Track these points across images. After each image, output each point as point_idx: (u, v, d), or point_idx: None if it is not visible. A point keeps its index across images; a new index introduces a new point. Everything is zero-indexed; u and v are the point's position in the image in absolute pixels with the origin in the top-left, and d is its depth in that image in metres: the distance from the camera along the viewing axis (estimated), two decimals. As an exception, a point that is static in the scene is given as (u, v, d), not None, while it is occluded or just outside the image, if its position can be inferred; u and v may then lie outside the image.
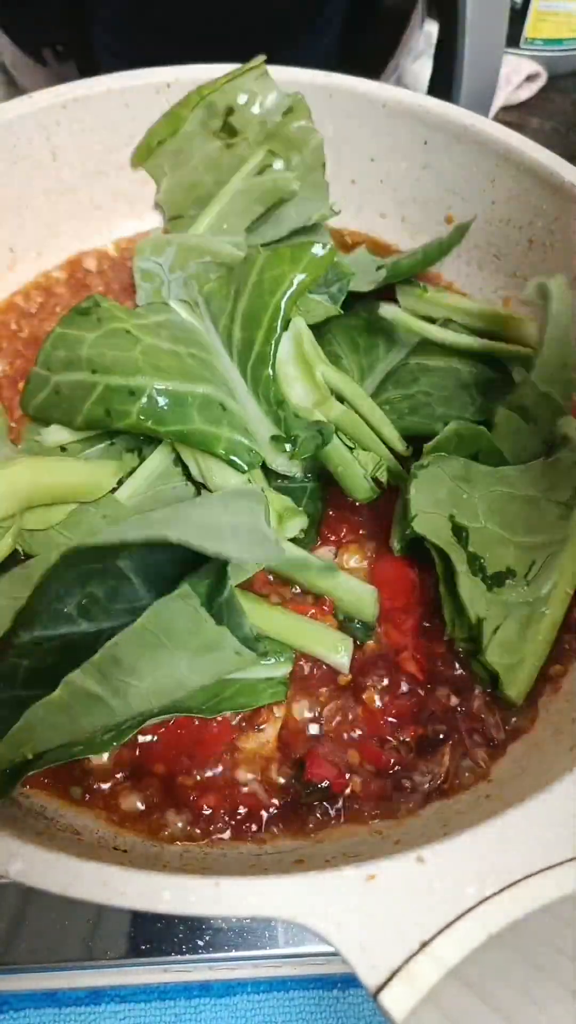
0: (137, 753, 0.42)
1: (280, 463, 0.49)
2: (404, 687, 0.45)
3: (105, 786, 0.42)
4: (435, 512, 0.44)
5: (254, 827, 0.41)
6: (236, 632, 0.38)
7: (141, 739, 0.42)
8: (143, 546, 0.39)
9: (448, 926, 0.28)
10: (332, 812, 0.41)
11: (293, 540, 0.48)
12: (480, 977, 0.27)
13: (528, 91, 0.99)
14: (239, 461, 0.48)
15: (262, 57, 0.61)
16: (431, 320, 0.59)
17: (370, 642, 0.47)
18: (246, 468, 0.48)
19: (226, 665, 0.37)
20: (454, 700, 0.45)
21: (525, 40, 0.98)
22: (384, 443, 0.51)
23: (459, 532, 0.45)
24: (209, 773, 0.42)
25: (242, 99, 0.61)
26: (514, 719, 0.44)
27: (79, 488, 0.46)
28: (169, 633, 0.36)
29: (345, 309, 0.54)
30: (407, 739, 0.43)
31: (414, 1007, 0.27)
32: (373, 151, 0.64)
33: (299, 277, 0.49)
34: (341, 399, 0.51)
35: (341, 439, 0.50)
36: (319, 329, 0.53)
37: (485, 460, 0.48)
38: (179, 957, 0.45)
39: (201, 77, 0.62)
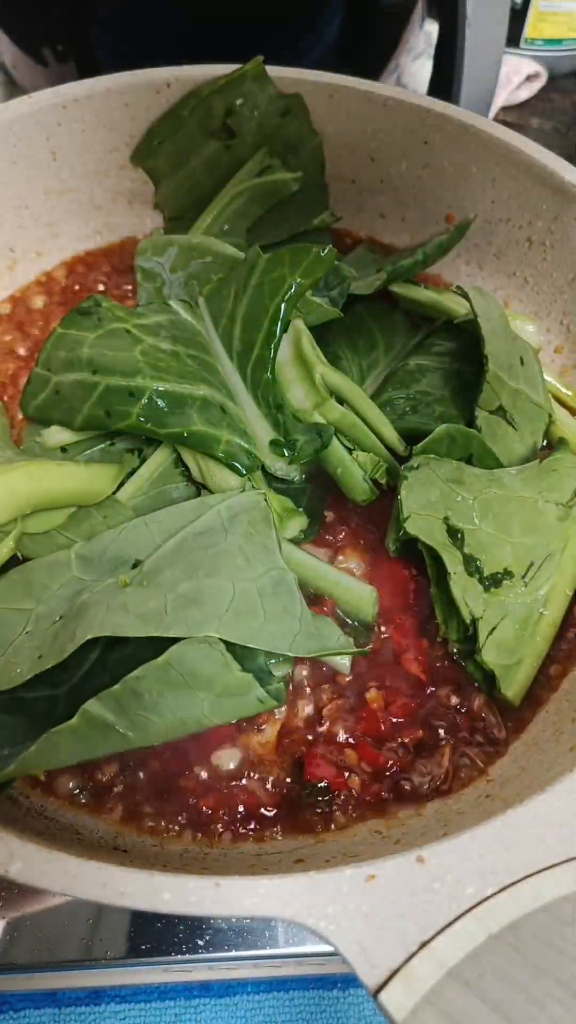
0: (137, 753, 0.42)
1: (279, 467, 0.49)
2: (405, 687, 0.45)
3: (105, 786, 0.42)
4: (427, 514, 0.44)
5: (254, 827, 0.41)
6: (250, 664, 0.38)
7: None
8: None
9: (448, 926, 0.28)
10: (332, 812, 0.41)
11: (292, 541, 0.48)
12: (480, 977, 0.27)
13: (528, 91, 1.00)
14: (238, 465, 0.48)
15: (260, 58, 0.61)
16: (431, 320, 0.59)
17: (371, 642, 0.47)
18: (245, 472, 0.48)
19: (248, 710, 0.38)
20: (454, 700, 0.45)
21: (525, 40, 0.98)
22: (384, 444, 0.51)
23: (455, 534, 0.45)
24: (209, 773, 0.42)
25: (240, 100, 0.61)
26: (514, 719, 0.44)
27: (79, 493, 0.46)
28: (194, 675, 0.36)
29: (345, 310, 0.54)
30: (406, 740, 0.43)
31: (414, 1007, 0.27)
32: (373, 151, 0.64)
33: (298, 280, 0.49)
34: (341, 400, 0.51)
35: (341, 440, 0.50)
36: (319, 330, 0.53)
37: (479, 463, 0.48)
38: (179, 957, 0.45)
39: (201, 77, 0.62)
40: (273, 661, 0.44)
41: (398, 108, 0.60)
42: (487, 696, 0.45)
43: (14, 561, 0.45)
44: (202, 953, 0.46)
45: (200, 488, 0.49)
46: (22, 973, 0.46)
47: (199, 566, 0.40)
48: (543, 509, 0.47)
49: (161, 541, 0.44)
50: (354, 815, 0.41)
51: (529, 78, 0.99)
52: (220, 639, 0.37)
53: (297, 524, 0.48)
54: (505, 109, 0.99)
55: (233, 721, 0.38)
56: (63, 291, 0.64)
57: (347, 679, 0.45)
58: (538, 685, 0.45)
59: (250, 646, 0.38)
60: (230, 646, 0.37)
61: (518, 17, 0.95)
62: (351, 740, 0.43)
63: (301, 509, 0.49)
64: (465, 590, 0.43)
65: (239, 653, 0.38)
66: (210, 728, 0.38)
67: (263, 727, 0.43)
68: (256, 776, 0.42)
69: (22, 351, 0.60)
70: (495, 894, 0.29)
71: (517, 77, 0.97)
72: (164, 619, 0.37)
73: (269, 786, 0.42)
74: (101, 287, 0.65)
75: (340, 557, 0.50)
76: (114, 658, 0.40)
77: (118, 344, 0.49)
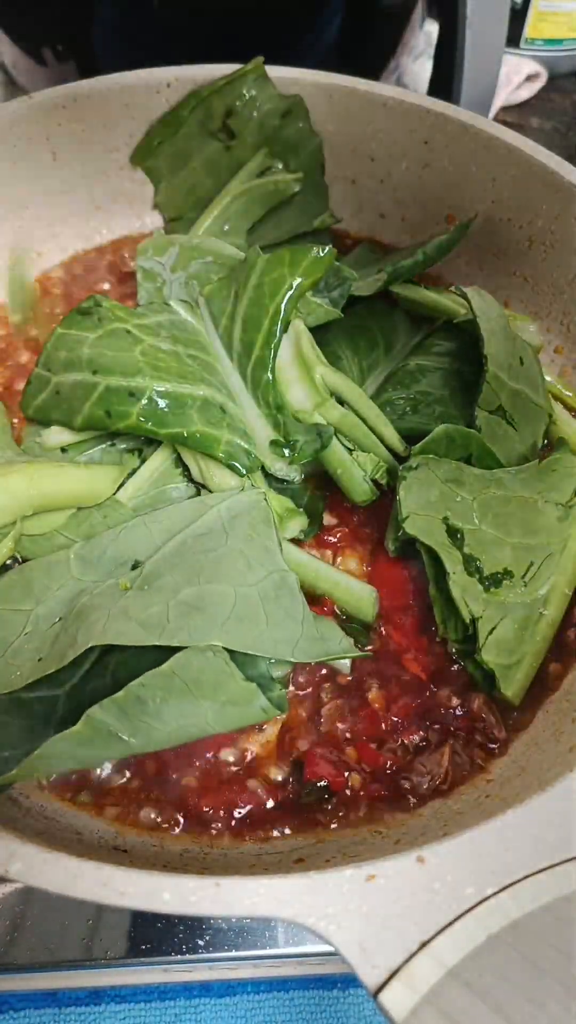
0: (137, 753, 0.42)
1: (279, 468, 0.49)
2: (405, 687, 0.45)
3: (105, 786, 0.42)
4: (427, 514, 0.44)
5: (254, 827, 0.41)
6: (252, 671, 0.38)
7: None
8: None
9: (448, 926, 0.28)
10: (331, 812, 0.41)
11: (292, 541, 0.48)
12: (480, 977, 0.27)
13: (528, 91, 1.00)
14: (238, 465, 0.48)
15: (260, 59, 0.61)
16: (431, 320, 0.59)
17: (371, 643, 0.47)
18: (245, 472, 0.48)
19: (251, 718, 0.38)
20: (454, 700, 0.45)
21: (525, 40, 0.98)
22: (384, 444, 0.51)
23: (454, 534, 0.45)
24: (209, 772, 0.42)
25: (240, 101, 0.61)
26: (514, 719, 0.44)
27: (79, 495, 0.46)
28: (198, 683, 0.36)
29: (345, 310, 0.54)
30: (406, 740, 0.43)
31: (414, 1007, 0.27)
32: (373, 151, 0.64)
33: (298, 280, 0.49)
34: (341, 401, 0.51)
35: (341, 441, 0.50)
36: (319, 330, 0.53)
37: (479, 463, 0.48)
38: (179, 957, 0.45)
39: (201, 77, 0.62)
40: (273, 661, 0.44)
41: (398, 108, 0.61)
42: (487, 696, 0.45)
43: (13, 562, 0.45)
44: (202, 953, 0.46)
45: (200, 488, 0.49)
46: (22, 973, 0.46)
47: (200, 570, 0.40)
48: (543, 509, 0.47)
49: (161, 542, 0.44)
50: (354, 815, 0.41)
51: (529, 78, 0.99)
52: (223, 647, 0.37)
53: (297, 524, 0.48)
54: (505, 109, 0.99)
55: (235, 728, 0.38)
56: (63, 291, 0.64)
57: (347, 679, 0.45)
58: (538, 685, 0.45)
59: (252, 653, 0.38)
60: (232, 652, 0.37)
61: (518, 17, 0.95)
62: (351, 740, 0.43)
63: (301, 509, 0.49)
64: (465, 590, 0.43)
65: (241, 658, 0.38)
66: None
67: (264, 727, 0.43)
68: (256, 776, 0.42)
69: (22, 351, 0.60)
70: (495, 894, 0.29)
71: (517, 77, 0.97)
72: (166, 627, 0.37)
73: (269, 786, 0.42)
74: (101, 287, 0.65)
75: (340, 557, 0.50)
76: (114, 659, 0.40)
77: (118, 344, 0.49)
